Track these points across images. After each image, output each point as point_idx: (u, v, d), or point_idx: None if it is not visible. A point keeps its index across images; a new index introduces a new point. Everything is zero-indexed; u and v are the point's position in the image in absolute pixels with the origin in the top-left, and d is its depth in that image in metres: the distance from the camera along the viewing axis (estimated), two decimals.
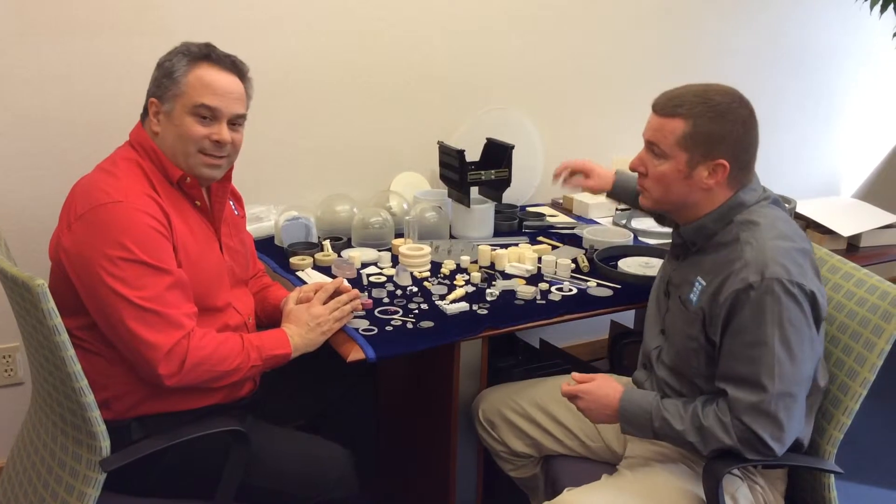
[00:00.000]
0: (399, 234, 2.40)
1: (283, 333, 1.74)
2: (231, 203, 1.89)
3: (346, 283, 1.92)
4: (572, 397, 1.69)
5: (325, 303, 1.82)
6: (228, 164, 1.74)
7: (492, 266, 2.22)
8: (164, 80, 1.66)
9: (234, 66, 1.71)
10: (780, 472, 1.69)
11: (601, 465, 1.86)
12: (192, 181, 1.70)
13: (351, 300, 1.84)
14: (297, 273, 2.16)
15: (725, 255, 1.58)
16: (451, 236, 2.48)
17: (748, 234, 1.56)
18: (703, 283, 1.60)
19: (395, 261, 2.25)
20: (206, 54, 1.68)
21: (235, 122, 1.71)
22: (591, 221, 2.70)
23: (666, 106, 1.59)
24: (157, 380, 1.57)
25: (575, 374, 1.72)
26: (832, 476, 1.67)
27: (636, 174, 1.71)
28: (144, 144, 1.68)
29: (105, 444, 1.53)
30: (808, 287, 1.50)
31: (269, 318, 1.92)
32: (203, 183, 1.74)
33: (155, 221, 1.59)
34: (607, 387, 1.67)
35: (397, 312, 1.91)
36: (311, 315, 1.78)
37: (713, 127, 1.56)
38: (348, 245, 2.36)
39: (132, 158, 1.68)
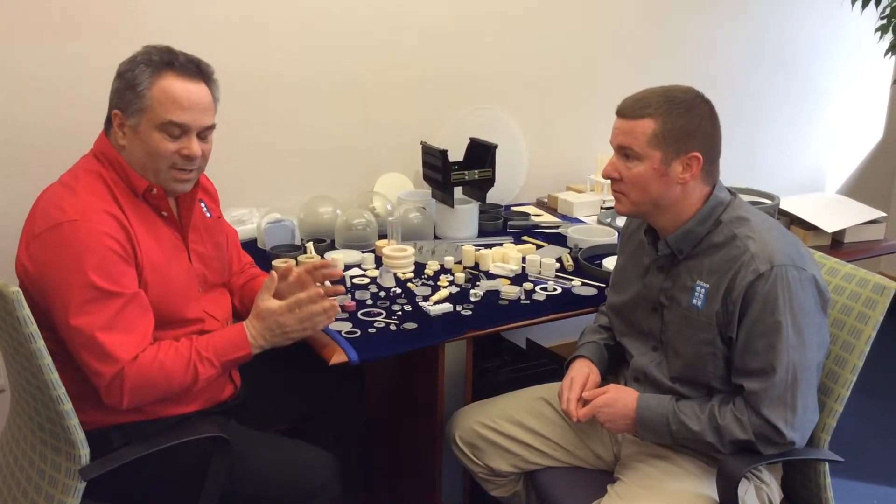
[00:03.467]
0: (383, 236, 2.39)
1: (241, 335, 1.65)
2: (203, 205, 1.83)
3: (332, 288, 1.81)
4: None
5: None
6: (198, 174, 1.70)
7: (476, 266, 2.21)
8: (127, 93, 1.59)
9: (199, 71, 1.64)
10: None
11: (591, 472, 1.84)
12: (159, 192, 1.65)
13: (325, 310, 1.69)
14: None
15: (725, 253, 1.59)
16: (435, 237, 2.47)
17: (744, 229, 1.59)
18: (707, 286, 1.60)
19: (378, 262, 2.24)
20: (169, 62, 1.60)
21: (204, 132, 1.65)
22: (576, 220, 2.69)
23: (632, 109, 1.61)
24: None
25: (585, 394, 1.72)
26: (826, 463, 1.69)
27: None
28: (108, 155, 1.63)
29: (84, 452, 1.51)
30: (810, 272, 1.55)
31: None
32: (171, 195, 1.69)
33: (112, 241, 1.53)
34: (622, 396, 1.68)
35: (381, 314, 1.90)
36: (278, 323, 1.67)
37: (682, 122, 1.58)
38: (332, 247, 2.34)
39: (94, 170, 1.62)
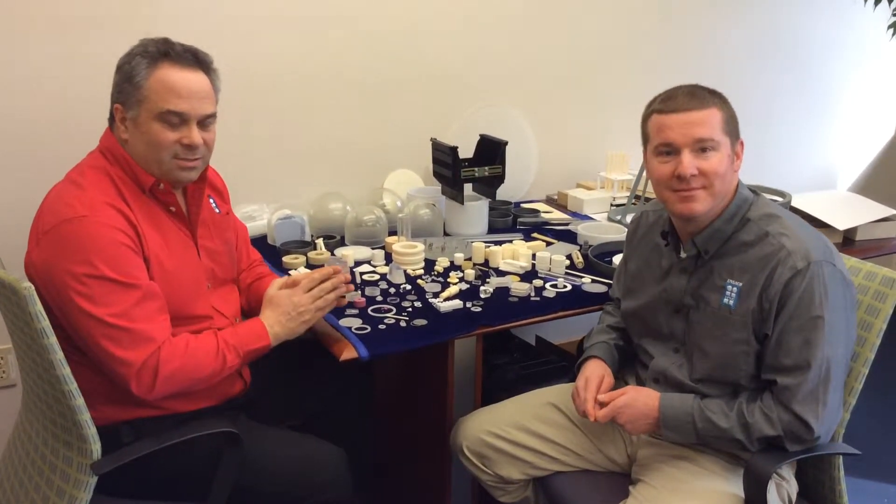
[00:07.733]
0: (392, 232, 2.39)
1: (260, 325, 1.68)
2: (211, 201, 1.83)
3: (340, 268, 1.82)
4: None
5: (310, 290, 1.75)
6: (203, 164, 1.68)
7: (486, 263, 2.21)
8: (126, 86, 1.59)
9: (197, 60, 1.62)
10: None
11: (602, 475, 1.82)
12: (166, 187, 1.65)
13: (335, 288, 1.75)
14: (290, 272, 2.14)
15: (758, 251, 1.58)
16: (445, 234, 2.47)
17: (776, 226, 1.59)
18: (739, 285, 1.59)
19: (388, 259, 2.24)
20: (165, 52, 1.59)
21: (205, 121, 1.64)
22: (586, 217, 2.68)
23: (696, 100, 1.58)
24: (134, 394, 1.54)
25: (601, 396, 1.70)
26: (840, 457, 1.69)
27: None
28: (114, 151, 1.63)
29: (96, 447, 1.52)
30: (839, 268, 1.56)
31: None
32: (177, 187, 1.69)
33: (122, 235, 1.54)
34: (643, 396, 1.67)
35: (391, 311, 1.90)
36: (293, 303, 1.71)
37: (730, 110, 1.62)
38: (342, 243, 2.35)
39: (100, 167, 1.62)
